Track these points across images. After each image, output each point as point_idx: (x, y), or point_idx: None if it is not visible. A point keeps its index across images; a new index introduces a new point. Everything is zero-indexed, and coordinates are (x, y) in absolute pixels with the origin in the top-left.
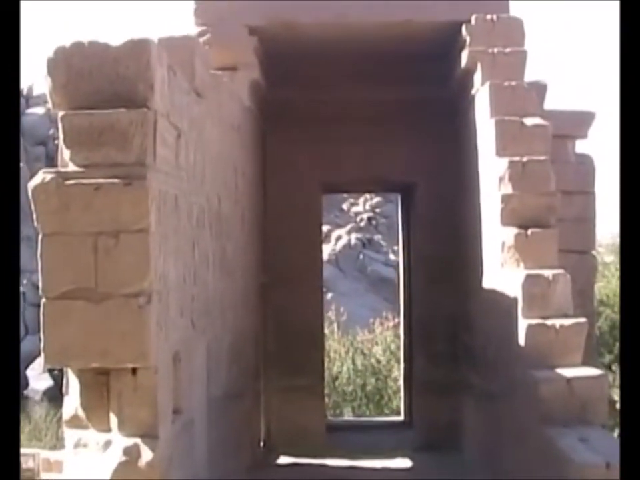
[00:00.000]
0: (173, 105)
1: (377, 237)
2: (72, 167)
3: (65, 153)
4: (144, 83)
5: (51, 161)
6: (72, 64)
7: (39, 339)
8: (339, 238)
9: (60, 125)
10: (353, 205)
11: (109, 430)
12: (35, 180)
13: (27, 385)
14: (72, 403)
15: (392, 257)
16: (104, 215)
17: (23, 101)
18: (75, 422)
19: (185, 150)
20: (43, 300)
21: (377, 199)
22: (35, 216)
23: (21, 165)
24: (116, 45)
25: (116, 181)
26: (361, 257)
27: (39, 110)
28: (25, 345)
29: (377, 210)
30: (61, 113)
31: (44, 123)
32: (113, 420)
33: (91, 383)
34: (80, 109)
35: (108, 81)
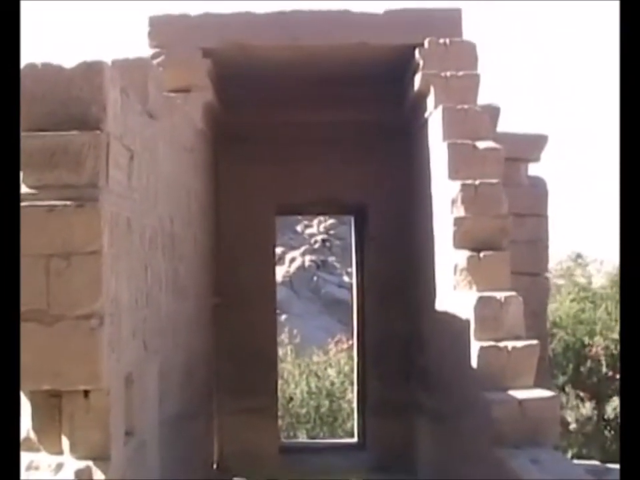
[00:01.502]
0: (125, 127)
1: (331, 259)
2: (24, 189)
3: None
4: (97, 105)
5: None
6: (25, 86)
7: None
8: (292, 260)
9: None
10: (307, 226)
11: (60, 452)
12: None
13: None
14: (24, 425)
15: (346, 278)
16: (56, 236)
17: None
18: (26, 444)
19: (137, 172)
20: None
21: (330, 221)
22: None
23: None
24: (69, 67)
25: (68, 202)
26: (315, 278)
27: None
28: None
29: (331, 232)
30: None
31: None
32: (65, 442)
33: (43, 405)
34: (33, 131)
35: (61, 102)
